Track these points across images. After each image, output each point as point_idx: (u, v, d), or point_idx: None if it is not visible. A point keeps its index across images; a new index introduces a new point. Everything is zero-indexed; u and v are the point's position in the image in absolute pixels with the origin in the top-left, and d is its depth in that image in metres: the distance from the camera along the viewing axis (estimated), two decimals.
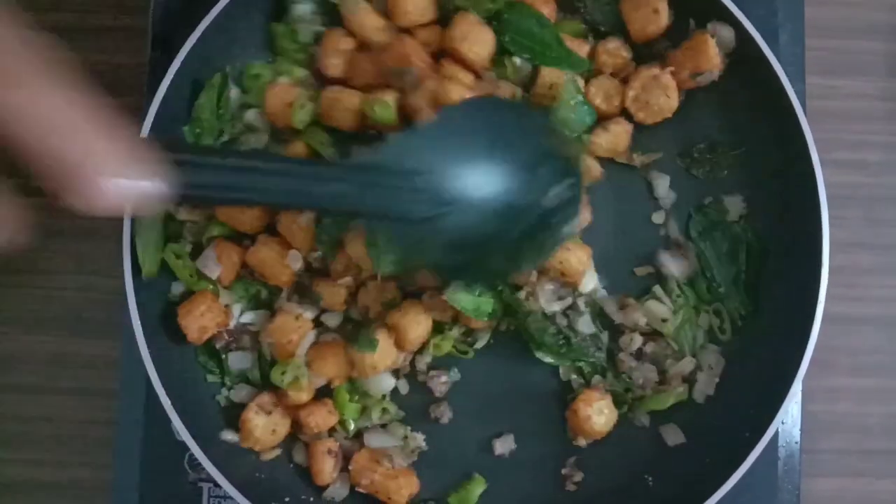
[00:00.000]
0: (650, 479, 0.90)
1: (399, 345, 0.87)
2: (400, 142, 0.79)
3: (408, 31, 0.88)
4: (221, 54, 0.89)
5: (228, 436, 0.88)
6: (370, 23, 0.88)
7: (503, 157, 0.80)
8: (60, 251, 0.99)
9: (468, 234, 0.79)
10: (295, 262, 0.87)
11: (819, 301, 0.82)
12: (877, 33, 1.02)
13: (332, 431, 0.90)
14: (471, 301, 0.86)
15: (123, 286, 0.82)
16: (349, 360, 0.87)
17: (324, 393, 0.89)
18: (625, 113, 0.91)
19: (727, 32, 0.86)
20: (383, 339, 0.86)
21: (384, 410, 0.90)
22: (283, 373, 0.86)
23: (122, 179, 0.51)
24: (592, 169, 0.89)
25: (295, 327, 0.87)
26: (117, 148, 0.51)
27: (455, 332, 0.90)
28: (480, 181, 0.79)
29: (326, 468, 0.88)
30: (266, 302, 0.91)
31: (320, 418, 0.87)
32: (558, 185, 0.82)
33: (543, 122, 0.86)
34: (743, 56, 0.86)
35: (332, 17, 0.91)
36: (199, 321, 0.86)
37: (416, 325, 0.86)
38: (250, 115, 0.90)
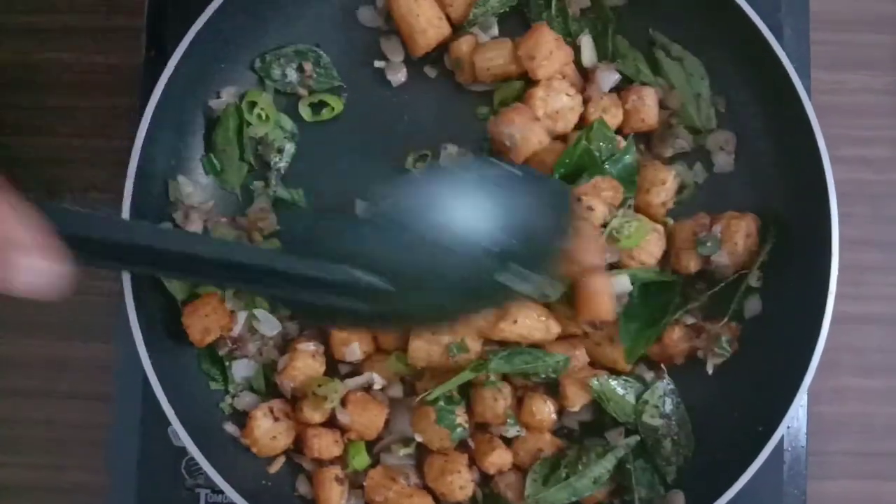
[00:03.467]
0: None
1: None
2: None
3: None
4: (217, 55, 0.88)
5: (230, 428, 0.87)
6: None
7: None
8: None
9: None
10: None
11: (829, 296, 0.81)
12: (884, 26, 1.01)
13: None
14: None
15: (122, 289, 0.81)
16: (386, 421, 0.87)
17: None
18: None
19: None
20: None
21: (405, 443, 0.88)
22: (319, 385, 0.85)
23: (39, 260, 0.58)
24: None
25: (315, 367, 0.87)
26: (32, 233, 0.57)
27: None
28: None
29: (334, 497, 0.85)
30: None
31: (324, 445, 0.85)
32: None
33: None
34: (748, 51, 0.85)
35: None
36: (204, 322, 0.85)
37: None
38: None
